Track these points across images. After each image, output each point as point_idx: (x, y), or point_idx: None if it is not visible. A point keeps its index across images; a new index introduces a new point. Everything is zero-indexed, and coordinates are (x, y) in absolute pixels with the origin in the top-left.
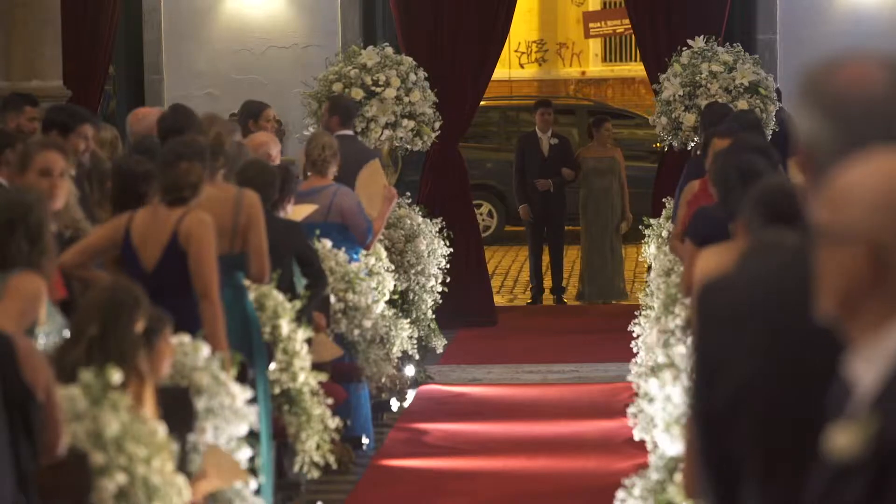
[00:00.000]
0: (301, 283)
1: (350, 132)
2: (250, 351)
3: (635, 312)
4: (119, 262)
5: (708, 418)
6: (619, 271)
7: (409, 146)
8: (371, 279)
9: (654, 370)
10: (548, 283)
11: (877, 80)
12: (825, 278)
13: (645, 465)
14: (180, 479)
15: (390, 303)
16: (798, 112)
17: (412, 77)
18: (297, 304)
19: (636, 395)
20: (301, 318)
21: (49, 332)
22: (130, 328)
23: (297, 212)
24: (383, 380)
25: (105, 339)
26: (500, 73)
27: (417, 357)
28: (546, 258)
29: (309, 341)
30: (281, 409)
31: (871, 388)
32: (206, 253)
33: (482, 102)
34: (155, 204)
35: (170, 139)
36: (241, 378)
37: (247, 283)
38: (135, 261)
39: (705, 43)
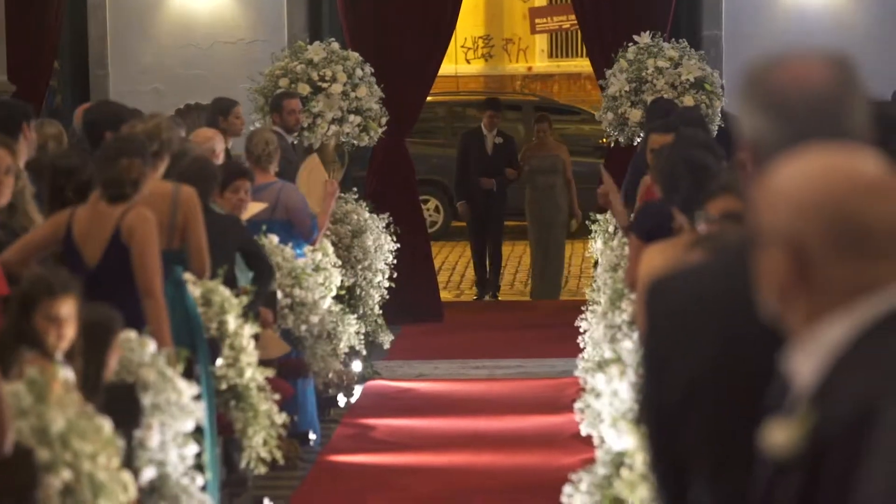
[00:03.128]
0: (245, 276)
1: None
2: (193, 346)
3: (582, 308)
4: (61, 259)
5: (657, 414)
6: (559, 270)
7: (355, 142)
8: (318, 275)
9: (601, 365)
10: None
11: (819, 77)
12: (761, 278)
13: (592, 461)
14: (126, 476)
15: (337, 298)
16: (740, 110)
17: (358, 72)
18: (245, 299)
19: (583, 390)
20: (248, 313)
21: None
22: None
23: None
24: (330, 375)
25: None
26: (446, 68)
27: (364, 353)
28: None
29: (256, 337)
30: (227, 405)
31: (807, 384)
32: (149, 250)
33: (428, 98)
34: (96, 200)
35: (94, 134)
36: (188, 374)
37: (191, 278)
38: (77, 257)
39: (651, 39)
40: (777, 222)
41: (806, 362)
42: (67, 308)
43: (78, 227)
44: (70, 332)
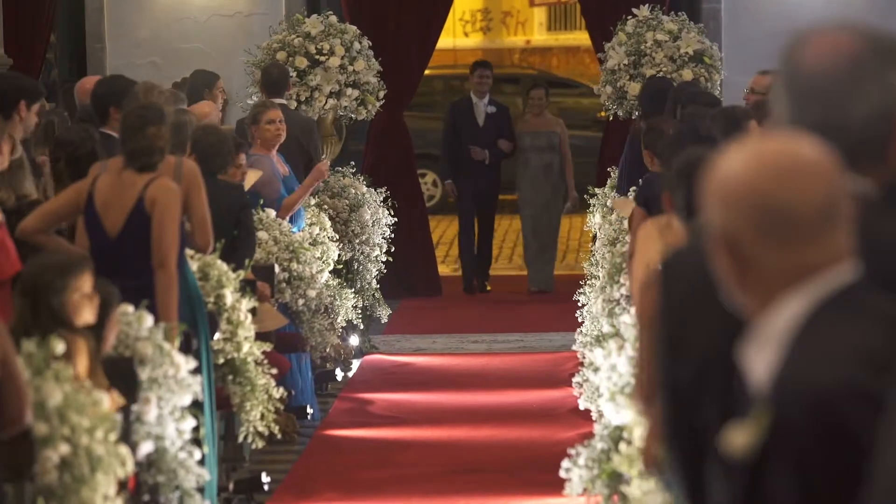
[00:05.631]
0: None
1: (281, 101)
2: (194, 321)
3: (580, 282)
4: (82, 228)
5: (672, 391)
6: (552, 258)
7: (353, 115)
8: (315, 249)
9: (599, 339)
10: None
11: (838, 54)
12: (718, 272)
13: (590, 435)
14: (123, 450)
15: (335, 272)
16: (774, 89)
17: (356, 46)
18: (242, 273)
19: (581, 364)
20: (246, 287)
21: None
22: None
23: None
24: (328, 349)
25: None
26: (444, 41)
27: (362, 327)
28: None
29: (253, 311)
30: (225, 379)
31: (761, 379)
32: (169, 221)
33: (426, 71)
34: (119, 169)
35: (100, 109)
36: (185, 348)
37: (189, 252)
38: (98, 226)
39: (650, 12)
40: (712, 217)
41: (758, 356)
42: (89, 283)
43: (100, 196)
44: (94, 305)
